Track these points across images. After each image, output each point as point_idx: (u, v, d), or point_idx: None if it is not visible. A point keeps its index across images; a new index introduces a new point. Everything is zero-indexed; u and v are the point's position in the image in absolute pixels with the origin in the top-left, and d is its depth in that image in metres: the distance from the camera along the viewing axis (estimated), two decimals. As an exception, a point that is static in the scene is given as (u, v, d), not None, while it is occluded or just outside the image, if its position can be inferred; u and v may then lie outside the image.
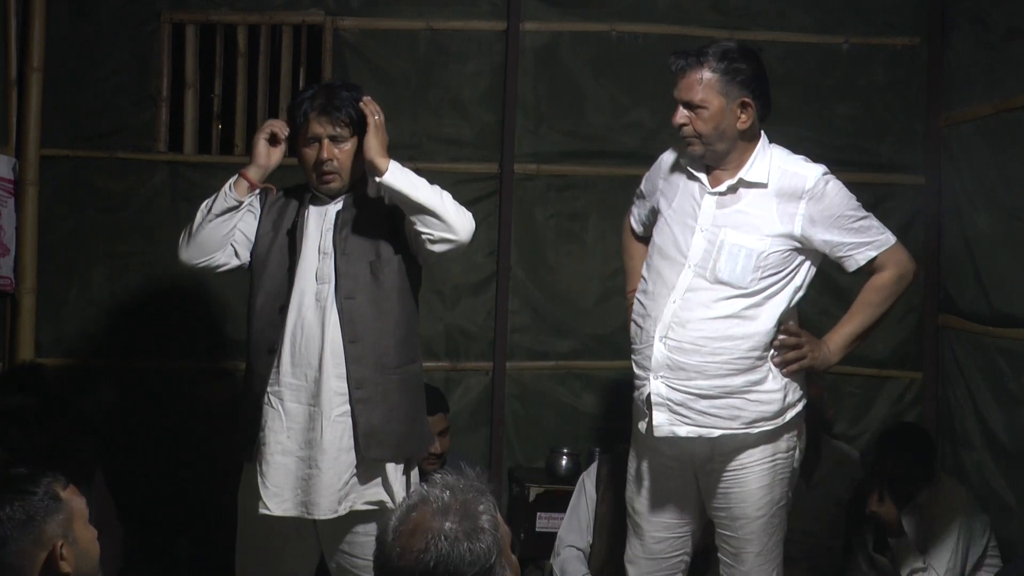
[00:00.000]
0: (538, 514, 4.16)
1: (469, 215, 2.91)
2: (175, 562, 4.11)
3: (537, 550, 4.10)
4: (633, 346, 3.06)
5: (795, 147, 4.36)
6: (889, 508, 3.59)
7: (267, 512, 2.89)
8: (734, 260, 2.92)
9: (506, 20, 4.35)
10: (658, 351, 2.94)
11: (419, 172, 2.93)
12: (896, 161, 4.43)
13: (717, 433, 2.95)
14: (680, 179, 3.07)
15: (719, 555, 3.14)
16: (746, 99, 2.94)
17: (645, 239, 3.24)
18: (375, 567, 1.87)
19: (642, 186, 3.25)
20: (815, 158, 4.37)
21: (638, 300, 3.07)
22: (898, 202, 4.41)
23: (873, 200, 4.41)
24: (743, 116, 2.95)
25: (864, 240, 3.00)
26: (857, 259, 3.01)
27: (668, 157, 3.16)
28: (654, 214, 3.15)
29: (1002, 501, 3.86)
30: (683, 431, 2.96)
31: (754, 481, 3.01)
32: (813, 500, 4.02)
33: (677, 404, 2.95)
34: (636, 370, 3.04)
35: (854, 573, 3.81)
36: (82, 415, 3.92)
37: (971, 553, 3.63)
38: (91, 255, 4.29)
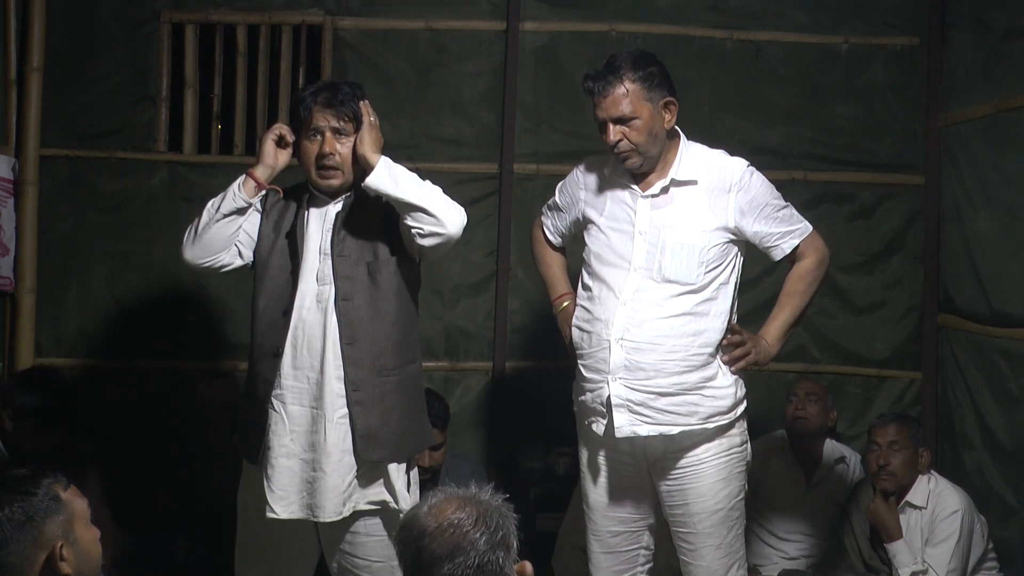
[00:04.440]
0: (538, 514, 4.15)
1: (460, 209, 2.91)
2: (175, 562, 4.11)
3: (537, 550, 4.09)
4: (581, 351, 3.10)
5: (795, 147, 4.41)
6: (890, 507, 3.61)
7: (274, 516, 2.88)
8: (679, 258, 2.99)
9: (506, 20, 4.35)
10: (616, 353, 2.99)
11: (418, 172, 2.92)
12: (896, 161, 4.43)
13: (676, 430, 3.01)
14: (606, 188, 3.13)
15: (679, 556, 3.17)
16: (668, 99, 3.01)
17: (560, 248, 3.33)
18: (397, 544, 2.01)
19: (557, 198, 3.29)
20: (815, 158, 4.43)
21: (582, 307, 3.12)
22: (898, 202, 4.42)
23: (873, 200, 4.43)
24: (668, 116, 3.02)
25: (788, 229, 3.10)
26: (783, 248, 3.11)
27: (585, 169, 3.21)
28: (576, 225, 3.22)
29: (1002, 501, 3.86)
30: (644, 430, 3.01)
31: (711, 475, 3.06)
32: (813, 500, 4.03)
33: (637, 404, 3.00)
34: (587, 374, 3.08)
35: (849, 573, 3.81)
36: (82, 416, 3.91)
37: (972, 555, 3.63)
38: (91, 255, 4.28)
